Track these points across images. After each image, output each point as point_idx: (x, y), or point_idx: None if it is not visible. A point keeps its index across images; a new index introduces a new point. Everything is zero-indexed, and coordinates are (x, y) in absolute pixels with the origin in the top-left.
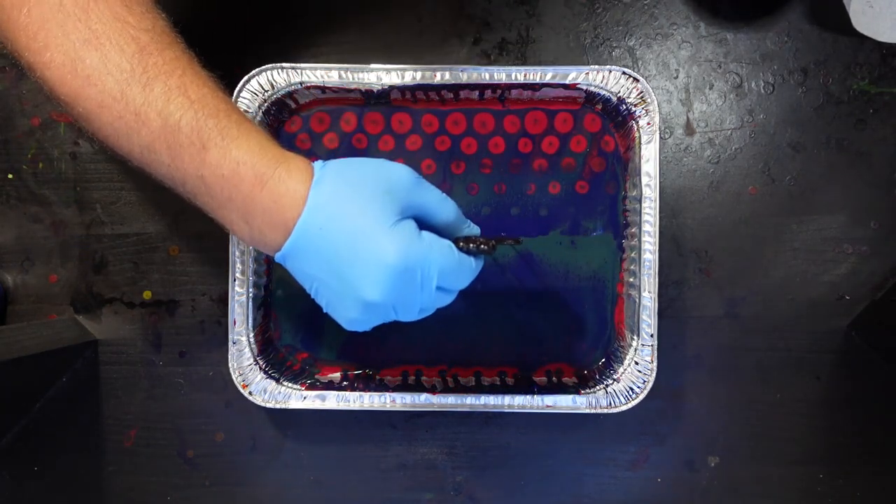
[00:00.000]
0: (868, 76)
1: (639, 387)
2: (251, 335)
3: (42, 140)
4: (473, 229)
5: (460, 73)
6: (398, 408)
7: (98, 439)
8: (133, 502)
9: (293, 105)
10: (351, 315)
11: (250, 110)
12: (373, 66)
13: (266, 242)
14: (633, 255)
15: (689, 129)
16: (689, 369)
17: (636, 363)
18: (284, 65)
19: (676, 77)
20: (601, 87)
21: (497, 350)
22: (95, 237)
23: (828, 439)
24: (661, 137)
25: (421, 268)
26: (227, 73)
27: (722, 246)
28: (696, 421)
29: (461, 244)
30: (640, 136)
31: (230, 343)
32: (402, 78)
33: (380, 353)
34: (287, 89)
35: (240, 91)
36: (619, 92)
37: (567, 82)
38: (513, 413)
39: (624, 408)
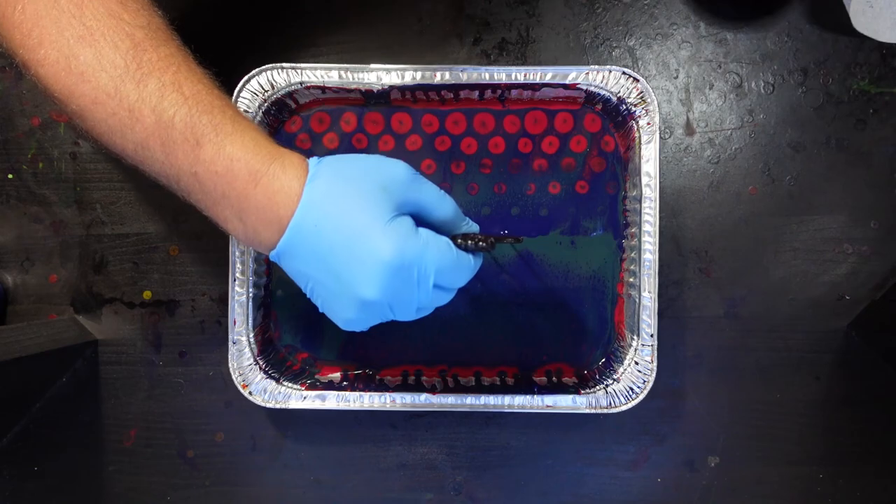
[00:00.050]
0: (868, 76)
1: (639, 387)
2: (251, 335)
3: (42, 140)
4: (472, 226)
5: (460, 73)
6: (398, 408)
7: (98, 439)
8: (133, 502)
9: (293, 105)
10: (347, 314)
11: (250, 110)
12: (373, 66)
13: (260, 240)
14: (633, 255)
15: (689, 129)
16: (689, 369)
17: (636, 363)
18: (284, 65)
19: (676, 77)
20: (601, 87)
21: (497, 350)
22: (95, 237)
23: (828, 439)
24: (661, 137)
25: (417, 265)
26: (226, 73)
27: (722, 246)
28: (696, 421)
29: (459, 241)
30: (640, 136)
31: (230, 343)
32: (402, 78)
33: (380, 353)
34: (287, 89)
35: (240, 91)
36: (619, 92)
37: (567, 82)
38: (513, 413)
39: (624, 408)
